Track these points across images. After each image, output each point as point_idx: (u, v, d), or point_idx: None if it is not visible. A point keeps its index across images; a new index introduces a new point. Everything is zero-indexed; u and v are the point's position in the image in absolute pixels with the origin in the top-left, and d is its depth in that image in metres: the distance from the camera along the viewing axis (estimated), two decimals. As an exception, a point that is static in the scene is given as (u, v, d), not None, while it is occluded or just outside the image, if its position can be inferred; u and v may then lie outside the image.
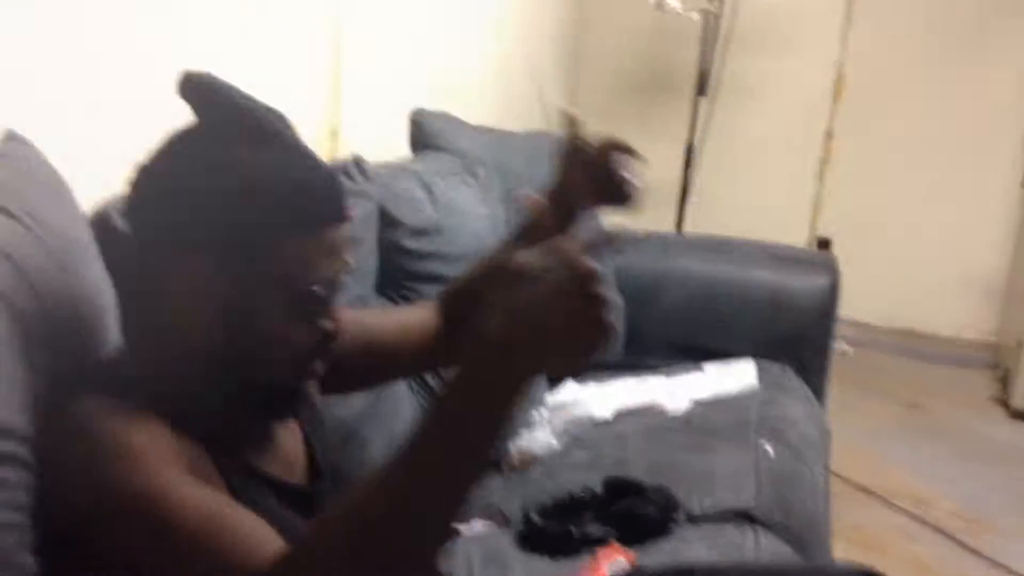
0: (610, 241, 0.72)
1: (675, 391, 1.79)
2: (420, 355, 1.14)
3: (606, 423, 1.71)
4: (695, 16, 2.90)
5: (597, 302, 0.65)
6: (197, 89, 0.85)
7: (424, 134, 1.90)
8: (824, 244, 3.80)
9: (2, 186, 0.92)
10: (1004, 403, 3.16)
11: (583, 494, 1.47)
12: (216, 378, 0.85)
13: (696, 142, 2.98)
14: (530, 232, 1.05)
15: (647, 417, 1.71)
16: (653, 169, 2.88)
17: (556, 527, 1.39)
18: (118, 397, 0.80)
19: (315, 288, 0.83)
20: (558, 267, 0.66)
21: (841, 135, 3.81)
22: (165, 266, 0.83)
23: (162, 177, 0.83)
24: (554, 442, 1.63)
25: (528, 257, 0.68)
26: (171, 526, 0.72)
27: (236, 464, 0.86)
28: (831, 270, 2.09)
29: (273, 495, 0.88)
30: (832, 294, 2.06)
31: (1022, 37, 3.57)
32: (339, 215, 0.86)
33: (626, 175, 0.98)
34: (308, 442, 1.01)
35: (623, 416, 1.73)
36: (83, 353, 0.92)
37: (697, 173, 3.10)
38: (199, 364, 0.85)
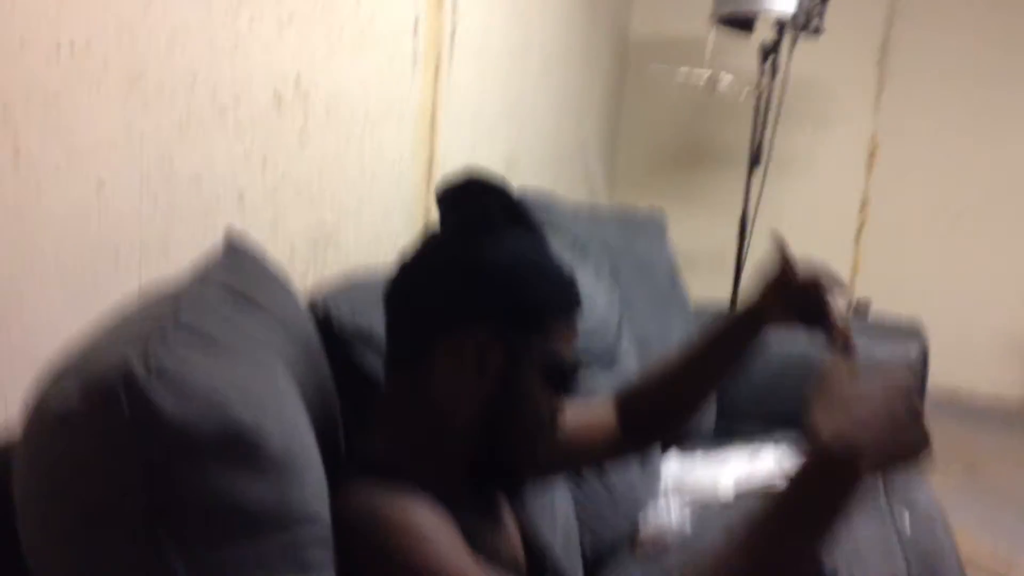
0: (914, 376, 0.77)
1: (788, 463, 1.80)
2: (595, 453, 1.18)
3: (730, 504, 1.72)
4: (742, 96, 2.98)
5: (919, 414, 0.70)
6: (463, 186, 0.91)
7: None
8: (864, 305, 3.86)
9: (248, 282, 0.95)
10: (1059, 465, 3.19)
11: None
12: (470, 452, 0.90)
13: (750, 214, 3.04)
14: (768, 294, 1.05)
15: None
16: (708, 239, 2.96)
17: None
18: (390, 480, 0.83)
19: (571, 364, 0.90)
20: (882, 378, 0.72)
21: (876, 201, 3.90)
22: (439, 344, 0.88)
23: (440, 264, 0.89)
24: (686, 527, 1.63)
25: (847, 369, 0.73)
26: None
27: (480, 543, 0.88)
28: (918, 337, 2.13)
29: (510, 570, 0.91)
30: (923, 361, 2.09)
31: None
32: (580, 300, 0.92)
33: (830, 305, 0.98)
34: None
35: (746, 496, 1.74)
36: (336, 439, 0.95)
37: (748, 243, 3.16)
38: (459, 439, 0.89)
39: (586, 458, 1.20)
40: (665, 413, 1.16)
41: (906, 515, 1.57)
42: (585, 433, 1.16)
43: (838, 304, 0.99)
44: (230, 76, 1.40)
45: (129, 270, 1.25)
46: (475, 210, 0.90)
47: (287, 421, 0.76)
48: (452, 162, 2.22)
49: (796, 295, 1.02)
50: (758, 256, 3.33)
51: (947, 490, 3.00)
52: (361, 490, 0.83)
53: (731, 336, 1.09)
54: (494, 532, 0.95)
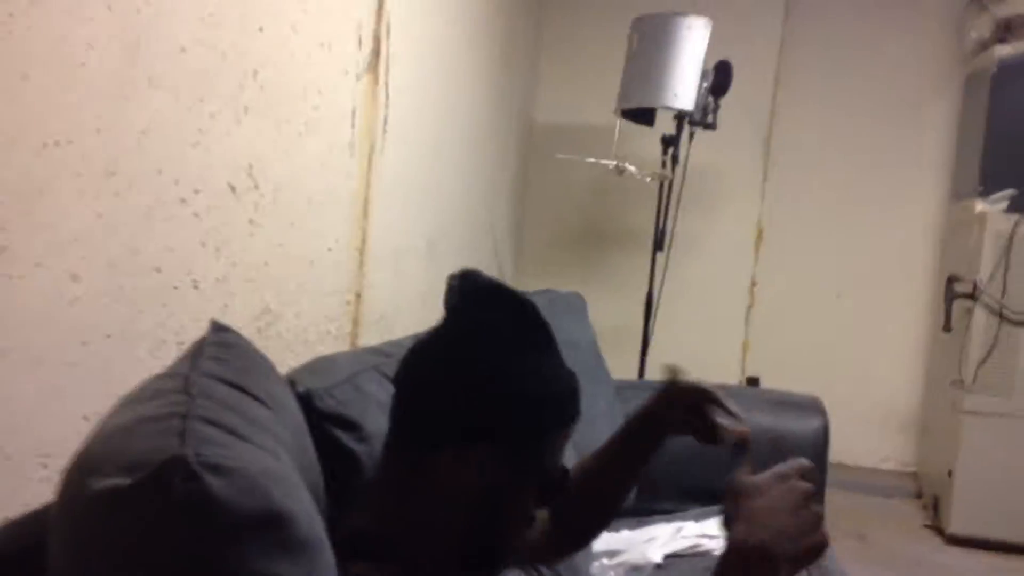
0: (814, 472, 0.89)
1: (714, 532, 1.91)
2: (539, 552, 1.27)
3: (660, 567, 1.81)
4: (648, 180, 3.17)
5: (819, 518, 0.84)
6: (472, 291, 0.97)
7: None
8: (753, 382, 4.07)
9: (242, 373, 0.99)
10: (938, 530, 3.42)
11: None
12: (457, 541, 0.96)
13: (655, 293, 3.20)
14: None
15: (697, 559, 1.82)
16: (613, 318, 3.08)
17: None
18: (384, 563, 0.89)
19: (560, 476, 0.98)
20: (785, 487, 0.83)
21: (763, 282, 4.15)
22: (441, 449, 0.93)
23: (456, 373, 0.93)
24: (623, 591, 1.71)
25: (755, 479, 0.85)
26: None
27: None
28: (821, 412, 2.29)
29: None
30: (824, 434, 2.25)
31: (925, 187, 4.03)
32: (580, 410, 0.99)
33: (721, 422, 1.10)
34: None
35: (673, 560, 1.84)
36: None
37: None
38: (450, 529, 0.95)
39: (535, 557, 1.28)
40: (592, 511, 1.26)
41: (823, 581, 1.69)
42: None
43: (725, 421, 1.10)
44: (191, 169, 1.45)
45: (94, 358, 1.26)
46: (495, 322, 0.94)
47: (306, 506, 0.81)
48: (381, 245, 2.29)
49: (686, 415, 1.14)
50: (663, 333, 3.52)
51: (844, 559, 3.18)
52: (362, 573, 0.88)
53: (637, 439, 1.20)
54: None
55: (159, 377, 0.96)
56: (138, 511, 0.68)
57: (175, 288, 1.44)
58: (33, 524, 0.86)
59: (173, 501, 0.68)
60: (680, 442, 2.27)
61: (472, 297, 0.97)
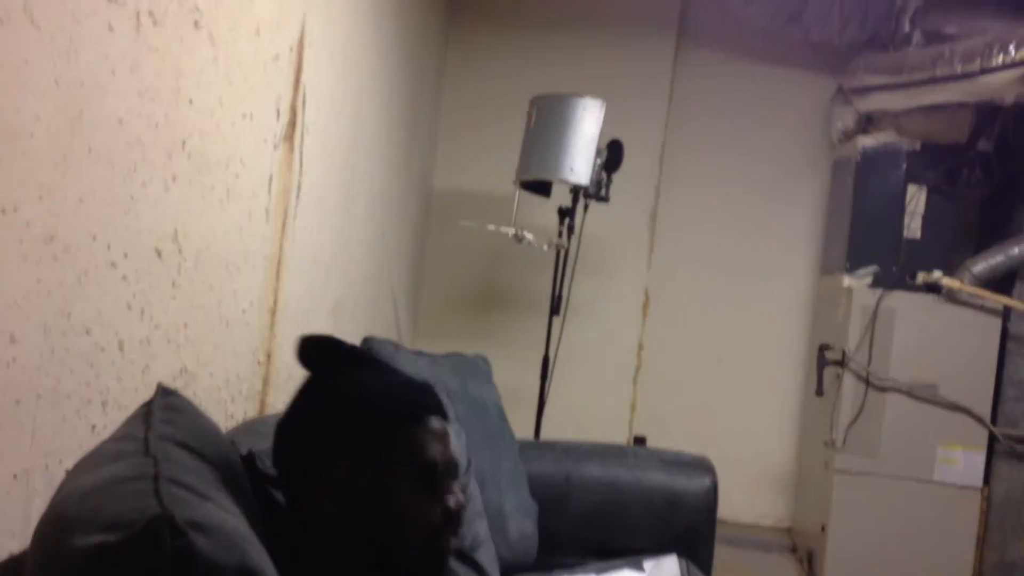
0: None
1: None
2: None
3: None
4: (545, 248, 3.32)
5: None
6: (317, 348, 1.15)
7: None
8: (640, 441, 4.23)
9: (193, 435, 1.05)
10: (812, 583, 3.63)
11: None
12: (367, 568, 1.04)
13: (551, 355, 3.33)
14: None
15: (601, 613, 1.92)
16: (512, 379, 3.21)
17: None
18: None
19: (433, 463, 1.08)
20: None
21: (649, 346, 4.35)
22: (317, 479, 1.06)
23: (301, 416, 1.11)
24: (529, 643, 1.79)
25: None
26: None
27: None
28: (710, 471, 2.44)
29: None
30: (714, 492, 2.40)
31: (798, 261, 4.32)
32: (437, 408, 1.14)
33: None
34: None
35: (577, 613, 1.93)
36: None
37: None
38: (354, 557, 1.06)
39: None
40: None
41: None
42: None
43: None
44: (122, 234, 1.49)
45: (25, 418, 1.28)
46: (317, 364, 1.13)
47: (267, 561, 0.87)
48: (292, 308, 2.34)
49: None
50: (558, 393, 3.64)
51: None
52: None
53: None
54: None
55: (115, 440, 1.01)
56: (127, 567, 0.74)
57: (102, 349, 1.47)
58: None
59: (162, 557, 0.73)
60: (580, 501, 2.38)
61: (307, 356, 1.15)
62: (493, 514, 2.09)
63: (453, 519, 1.12)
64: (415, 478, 1.07)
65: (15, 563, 0.94)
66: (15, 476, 1.27)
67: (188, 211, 1.72)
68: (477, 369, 2.45)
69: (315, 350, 1.16)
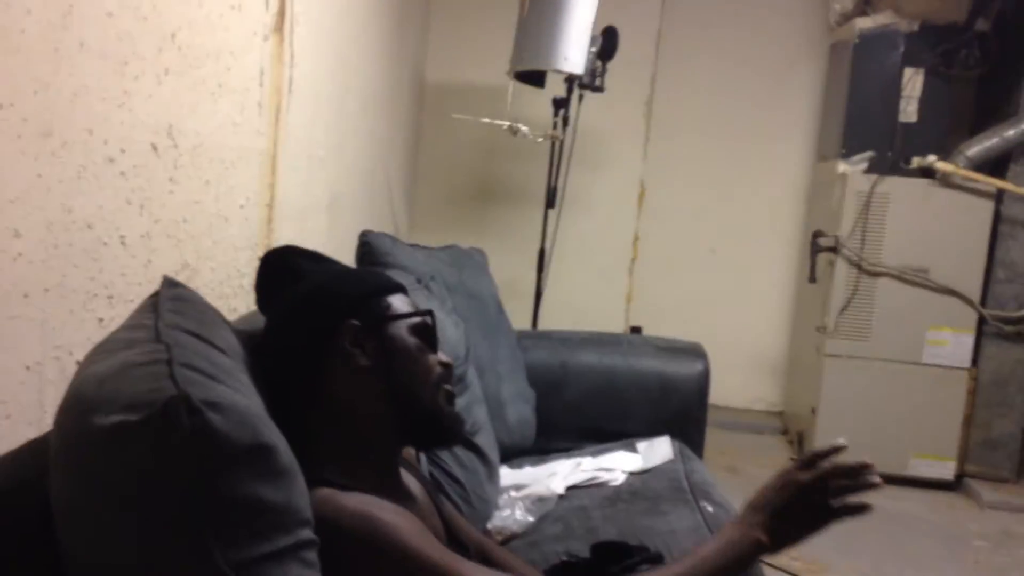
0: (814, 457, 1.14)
1: (611, 466, 2.09)
2: None
3: (563, 497, 1.98)
4: (540, 140, 3.31)
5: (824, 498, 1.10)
6: (270, 263, 1.25)
7: (375, 252, 2.11)
8: (636, 331, 4.30)
9: (201, 325, 1.08)
10: (802, 462, 3.74)
11: (573, 559, 1.72)
12: (392, 430, 1.14)
13: (547, 248, 3.36)
14: None
15: (597, 490, 2.00)
16: (508, 272, 3.25)
17: (565, 590, 1.62)
18: (342, 482, 1.02)
19: (425, 321, 1.18)
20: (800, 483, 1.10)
21: (644, 238, 4.37)
22: (326, 353, 1.13)
23: (289, 314, 1.17)
24: (529, 517, 1.87)
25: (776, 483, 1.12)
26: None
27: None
28: (703, 356, 2.50)
29: None
30: (706, 376, 2.47)
31: (793, 148, 4.31)
32: (398, 285, 1.23)
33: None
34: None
35: (574, 491, 2.01)
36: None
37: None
38: (378, 427, 1.13)
39: None
40: None
41: (708, 506, 1.89)
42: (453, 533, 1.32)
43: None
44: (118, 129, 1.49)
45: (34, 311, 1.31)
46: (286, 270, 1.21)
47: (280, 438, 0.91)
48: (288, 204, 2.36)
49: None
50: (554, 285, 3.69)
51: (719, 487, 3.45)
52: (328, 500, 0.99)
53: None
54: (425, 516, 1.15)
55: (126, 328, 1.03)
56: (147, 443, 0.77)
57: (105, 244, 1.49)
58: (27, 458, 0.93)
59: (180, 434, 0.77)
60: (576, 387, 2.45)
61: (270, 271, 1.25)
62: (492, 401, 2.15)
63: (447, 372, 1.19)
64: (415, 334, 1.16)
65: (35, 446, 0.98)
66: (28, 368, 1.31)
67: (181, 105, 1.71)
68: (473, 261, 2.48)
69: (277, 258, 1.26)
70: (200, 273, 1.88)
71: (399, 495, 1.14)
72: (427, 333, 1.18)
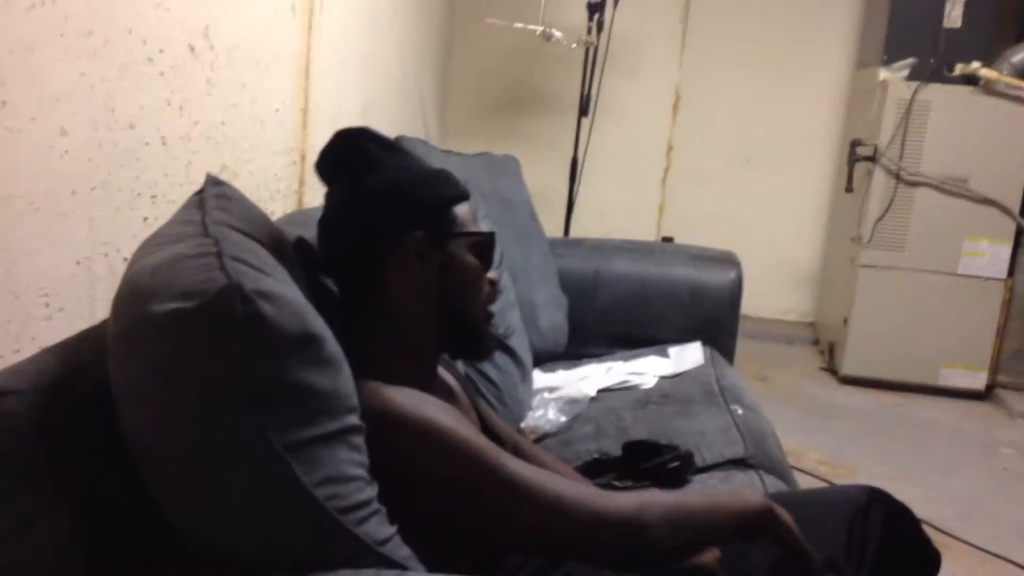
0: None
1: (642, 370, 2.12)
2: None
3: (595, 399, 2.02)
4: (574, 46, 3.26)
5: None
6: (342, 141, 1.18)
7: (410, 157, 2.11)
8: (668, 241, 4.30)
9: (246, 221, 1.10)
10: (833, 372, 3.77)
11: (604, 457, 1.76)
12: (435, 337, 1.16)
13: (580, 157, 3.34)
14: None
15: (628, 393, 2.04)
16: (540, 180, 3.24)
17: (599, 484, 1.67)
18: (386, 377, 1.04)
19: (487, 239, 1.17)
20: None
21: (679, 146, 4.33)
22: (387, 258, 1.12)
23: (358, 203, 1.14)
24: (562, 418, 1.91)
25: None
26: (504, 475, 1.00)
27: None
28: (736, 264, 2.51)
29: None
30: (739, 284, 2.47)
31: (833, 55, 4.22)
32: (467, 191, 1.21)
33: None
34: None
35: (606, 394, 2.05)
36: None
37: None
38: (424, 329, 1.15)
39: None
40: None
41: (738, 409, 1.92)
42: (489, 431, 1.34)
43: None
44: (155, 29, 1.50)
45: (81, 208, 1.35)
46: (360, 155, 1.14)
47: (326, 329, 0.94)
48: (322, 110, 2.36)
49: None
50: (586, 194, 3.68)
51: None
52: (375, 391, 1.02)
53: None
54: (464, 411, 1.18)
55: (175, 223, 1.06)
56: (202, 329, 0.80)
57: (147, 144, 1.51)
58: (83, 345, 0.97)
59: (234, 321, 0.80)
60: (608, 294, 2.47)
61: (337, 153, 1.17)
62: (525, 306, 2.18)
63: (495, 292, 1.20)
64: (475, 252, 1.15)
65: (89, 333, 1.02)
66: (78, 263, 1.34)
67: (216, 5, 1.71)
68: (507, 168, 2.48)
69: (351, 139, 1.19)
70: (239, 176, 1.90)
71: (439, 391, 1.18)
72: (486, 252, 1.17)
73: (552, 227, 3.30)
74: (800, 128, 4.29)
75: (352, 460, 0.90)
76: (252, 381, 0.82)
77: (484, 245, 1.17)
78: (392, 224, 1.12)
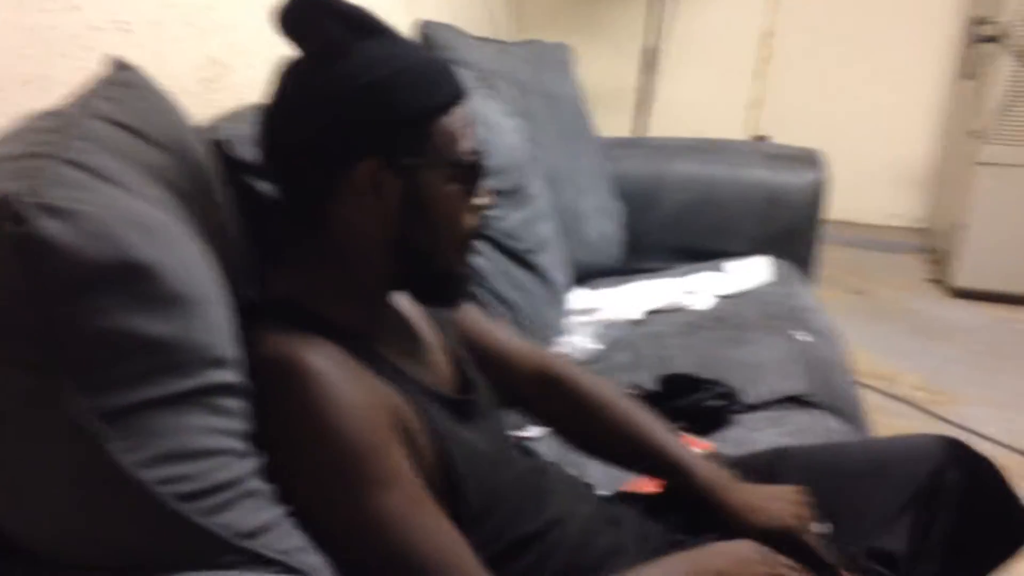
0: None
1: (697, 289, 1.86)
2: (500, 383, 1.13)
3: (639, 323, 1.78)
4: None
5: None
6: (298, 10, 0.87)
7: (433, 47, 1.87)
8: (761, 140, 3.93)
9: (139, 116, 0.89)
10: (941, 283, 3.39)
11: (637, 392, 1.53)
12: (391, 278, 0.92)
13: (655, 45, 3.01)
14: None
15: (677, 315, 1.79)
16: (604, 74, 2.88)
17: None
18: (300, 329, 0.83)
19: (471, 160, 0.89)
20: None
21: (781, 34, 3.90)
22: (324, 188, 0.86)
23: (302, 101, 0.86)
24: (596, 345, 1.68)
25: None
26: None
27: (400, 378, 0.89)
28: (817, 164, 2.18)
29: (435, 403, 0.91)
30: (821, 188, 2.15)
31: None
32: (462, 92, 0.90)
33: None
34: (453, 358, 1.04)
35: (653, 316, 1.80)
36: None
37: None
38: (375, 268, 0.90)
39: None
40: (568, 418, 1.18)
41: (805, 335, 1.65)
42: (504, 362, 1.15)
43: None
44: None
45: (8, 106, 1.16)
46: (315, 36, 0.86)
47: (186, 258, 0.73)
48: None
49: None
50: (665, 89, 3.34)
51: (840, 312, 3.17)
52: (280, 341, 0.81)
53: (663, 472, 1.13)
54: (419, 360, 0.96)
55: (42, 115, 0.87)
56: None
57: (98, 31, 1.31)
58: None
59: (6, 254, 0.60)
60: (672, 201, 2.19)
61: (294, 21, 0.87)
62: (567, 215, 1.93)
63: (483, 219, 0.95)
64: (451, 177, 0.88)
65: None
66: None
67: None
68: (555, 59, 2.20)
69: (305, 9, 0.87)
70: (234, 70, 1.69)
71: (392, 338, 0.95)
72: (472, 176, 0.90)
73: (617, 127, 2.99)
74: (913, 6, 3.79)
75: (211, 428, 0.70)
76: (41, 328, 0.62)
77: (470, 167, 0.90)
78: (339, 146, 0.84)
